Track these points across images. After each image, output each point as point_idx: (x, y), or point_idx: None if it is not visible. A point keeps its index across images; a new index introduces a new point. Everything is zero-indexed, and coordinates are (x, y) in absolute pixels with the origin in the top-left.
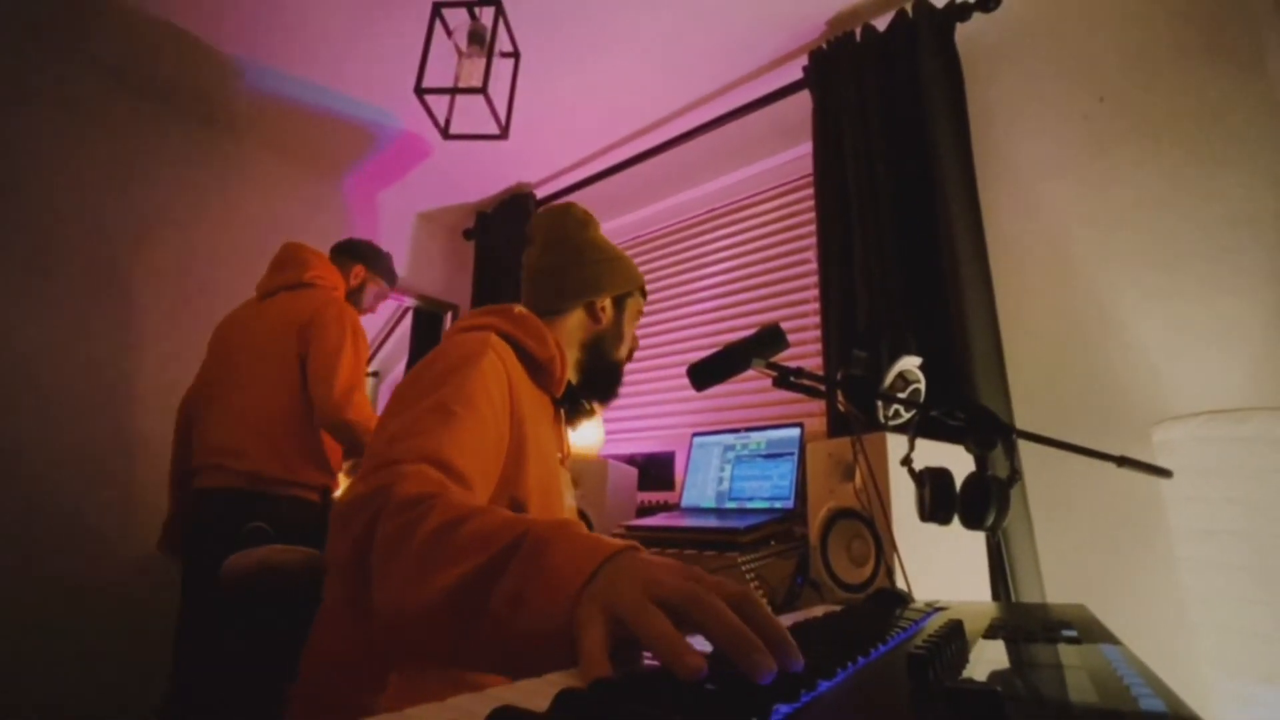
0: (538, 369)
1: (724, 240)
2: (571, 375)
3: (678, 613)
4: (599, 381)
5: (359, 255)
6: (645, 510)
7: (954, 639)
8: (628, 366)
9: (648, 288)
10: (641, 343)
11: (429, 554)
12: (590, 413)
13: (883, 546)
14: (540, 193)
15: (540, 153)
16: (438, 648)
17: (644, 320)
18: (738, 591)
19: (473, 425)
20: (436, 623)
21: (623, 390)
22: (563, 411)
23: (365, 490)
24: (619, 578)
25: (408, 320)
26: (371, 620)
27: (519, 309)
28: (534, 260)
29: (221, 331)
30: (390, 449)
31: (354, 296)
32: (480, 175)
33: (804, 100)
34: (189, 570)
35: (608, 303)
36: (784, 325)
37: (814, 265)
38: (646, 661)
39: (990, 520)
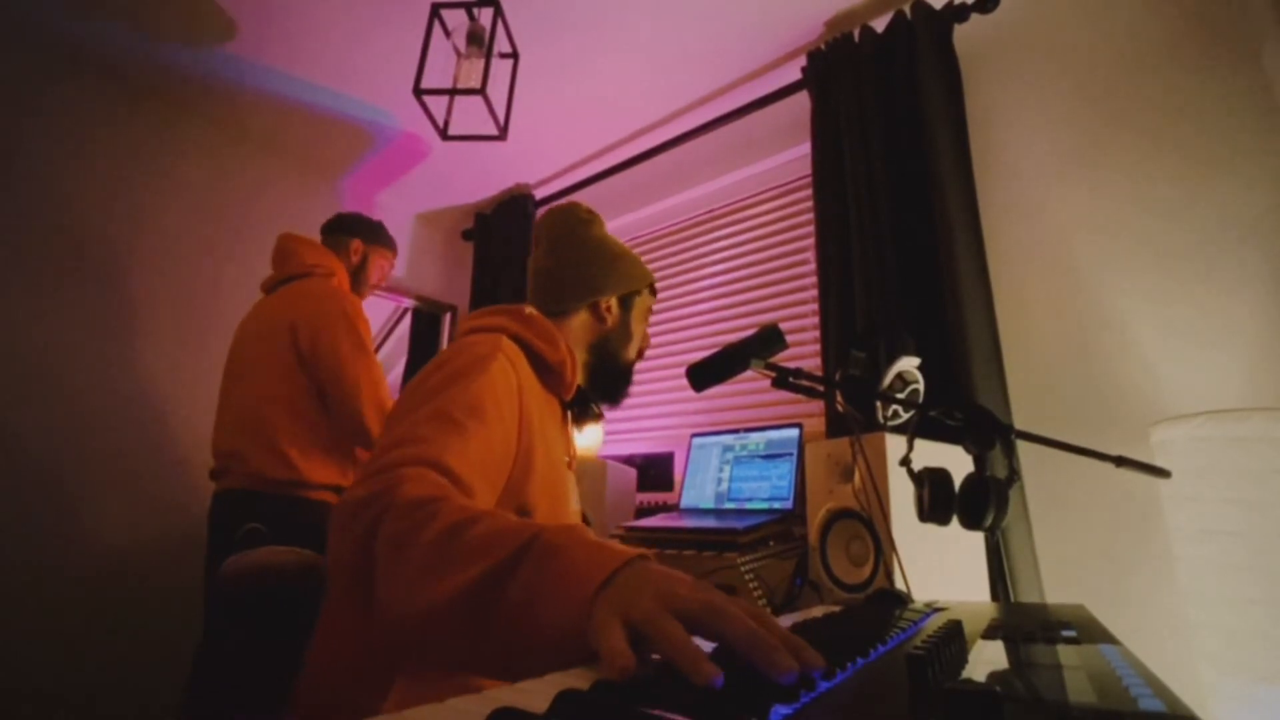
0: (547, 371)
1: (723, 241)
2: (579, 377)
3: (693, 623)
4: (608, 383)
5: (353, 229)
6: (644, 511)
7: (953, 639)
8: None
9: None
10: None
11: (437, 556)
12: (598, 416)
13: (882, 547)
14: (539, 193)
15: (539, 153)
16: (444, 649)
17: None
18: (754, 609)
19: (477, 434)
20: (444, 623)
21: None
22: (570, 414)
23: (364, 493)
24: (634, 587)
25: (407, 321)
26: (374, 621)
27: (529, 309)
28: (538, 261)
29: (236, 332)
30: (391, 455)
31: (358, 274)
32: (479, 176)
33: (802, 101)
34: (206, 574)
35: (613, 302)
36: (783, 326)
37: (813, 266)
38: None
39: (989, 520)
